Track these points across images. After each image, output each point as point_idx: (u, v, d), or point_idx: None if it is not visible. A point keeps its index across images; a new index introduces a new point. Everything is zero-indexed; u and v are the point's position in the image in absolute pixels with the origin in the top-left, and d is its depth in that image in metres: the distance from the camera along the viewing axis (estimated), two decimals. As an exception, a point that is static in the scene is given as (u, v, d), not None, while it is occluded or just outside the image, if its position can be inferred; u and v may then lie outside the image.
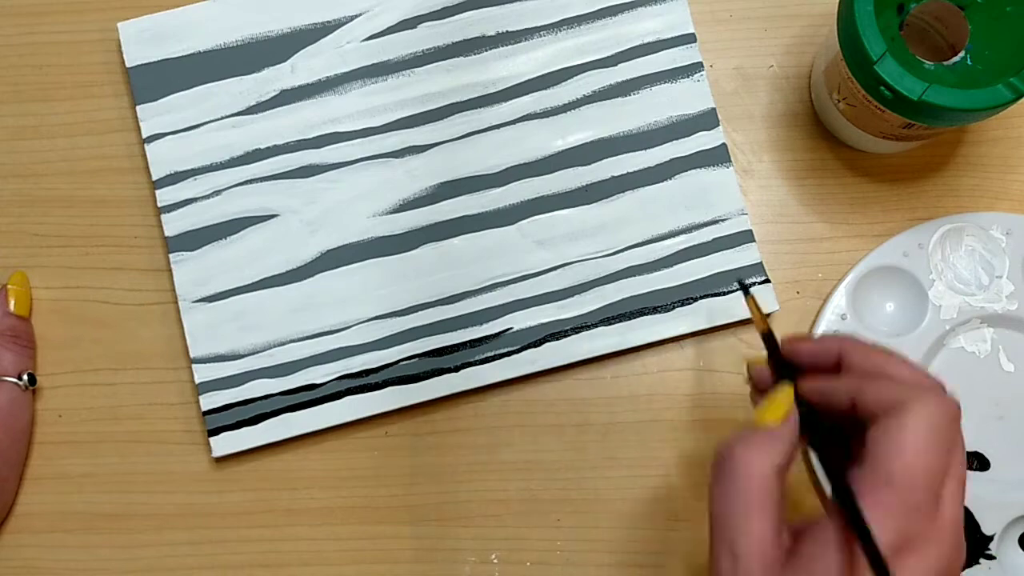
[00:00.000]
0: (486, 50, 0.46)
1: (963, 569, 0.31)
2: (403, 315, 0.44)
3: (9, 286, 0.44)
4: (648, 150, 0.45)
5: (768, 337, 0.35)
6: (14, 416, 0.43)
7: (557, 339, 0.44)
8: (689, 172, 0.45)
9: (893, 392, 0.31)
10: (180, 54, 0.46)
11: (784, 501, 0.31)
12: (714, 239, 0.44)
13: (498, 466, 0.44)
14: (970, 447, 0.43)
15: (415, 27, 0.46)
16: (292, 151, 0.45)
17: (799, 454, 0.34)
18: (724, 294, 0.44)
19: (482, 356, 0.44)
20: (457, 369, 0.44)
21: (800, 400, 0.33)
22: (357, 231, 0.45)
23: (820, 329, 0.43)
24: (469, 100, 0.45)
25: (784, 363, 0.35)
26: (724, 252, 0.44)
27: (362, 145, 0.45)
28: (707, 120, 0.45)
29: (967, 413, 0.43)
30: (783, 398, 0.33)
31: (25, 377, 0.43)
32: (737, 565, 0.30)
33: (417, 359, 0.44)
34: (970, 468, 0.43)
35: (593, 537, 0.43)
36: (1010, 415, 0.43)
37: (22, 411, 0.43)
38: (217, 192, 0.45)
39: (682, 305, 0.44)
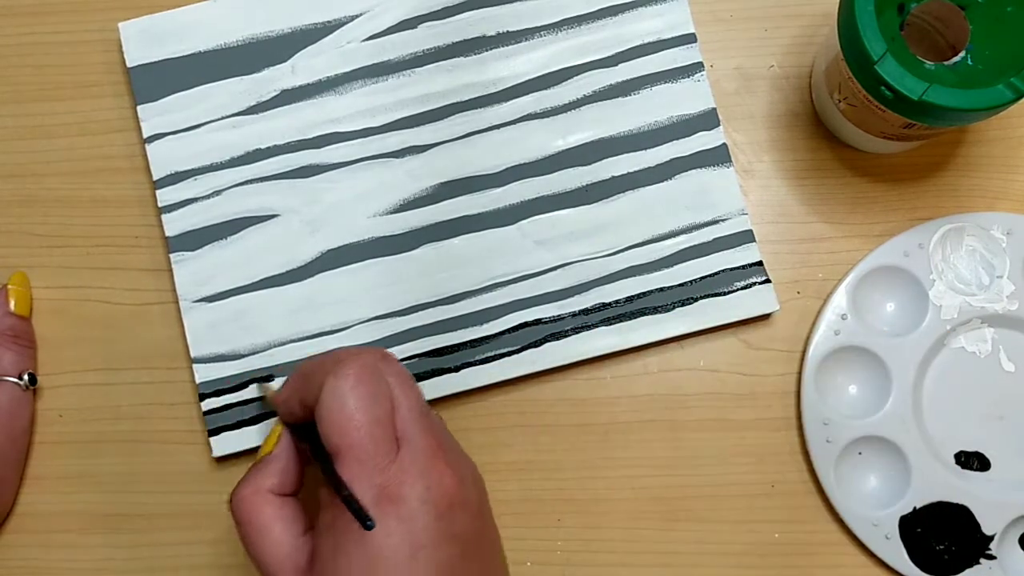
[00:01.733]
0: (486, 50, 0.46)
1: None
2: (403, 315, 0.44)
3: (9, 286, 0.44)
4: (648, 150, 0.45)
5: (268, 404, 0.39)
6: (14, 416, 0.43)
7: (557, 339, 0.44)
8: (689, 172, 0.45)
9: (317, 379, 0.33)
10: (181, 54, 0.46)
11: (302, 512, 0.34)
12: (714, 239, 0.44)
13: (498, 466, 0.44)
14: (970, 447, 0.43)
15: (415, 27, 0.46)
16: (292, 151, 0.45)
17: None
18: (724, 294, 0.44)
19: (482, 356, 0.44)
20: (457, 369, 0.44)
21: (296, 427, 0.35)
22: (357, 231, 0.45)
23: (820, 329, 0.43)
24: (469, 100, 0.45)
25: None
26: (724, 252, 0.44)
27: (362, 145, 0.45)
28: (708, 120, 0.45)
29: (967, 413, 0.44)
30: (274, 429, 0.36)
31: (26, 377, 0.43)
32: (264, 568, 0.32)
33: (417, 359, 0.44)
34: (970, 468, 0.43)
35: (593, 537, 0.43)
36: (1010, 415, 0.43)
37: (22, 411, 0.43)
38: (217, 192, 0.45)
39: (682, 305, 0.44)
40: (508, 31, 0.46)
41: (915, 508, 0.42)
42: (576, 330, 0.44)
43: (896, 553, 0.42)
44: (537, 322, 0.44)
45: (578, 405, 0.44)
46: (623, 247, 0.44)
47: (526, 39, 0.46)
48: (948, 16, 0.41)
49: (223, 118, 0.45)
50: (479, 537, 0.33)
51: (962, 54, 0.39)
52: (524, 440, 0.44)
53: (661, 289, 0.44)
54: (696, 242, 0.44)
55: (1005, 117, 0.44)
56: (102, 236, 0.46)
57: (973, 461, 0.43)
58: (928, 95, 0.37)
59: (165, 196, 0.45)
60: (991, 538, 0.42)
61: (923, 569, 0.42)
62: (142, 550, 0.44)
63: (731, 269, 0.44)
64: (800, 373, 0.44)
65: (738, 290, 0.44)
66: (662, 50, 0.45)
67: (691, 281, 0.44)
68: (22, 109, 0.47)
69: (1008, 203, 0.45)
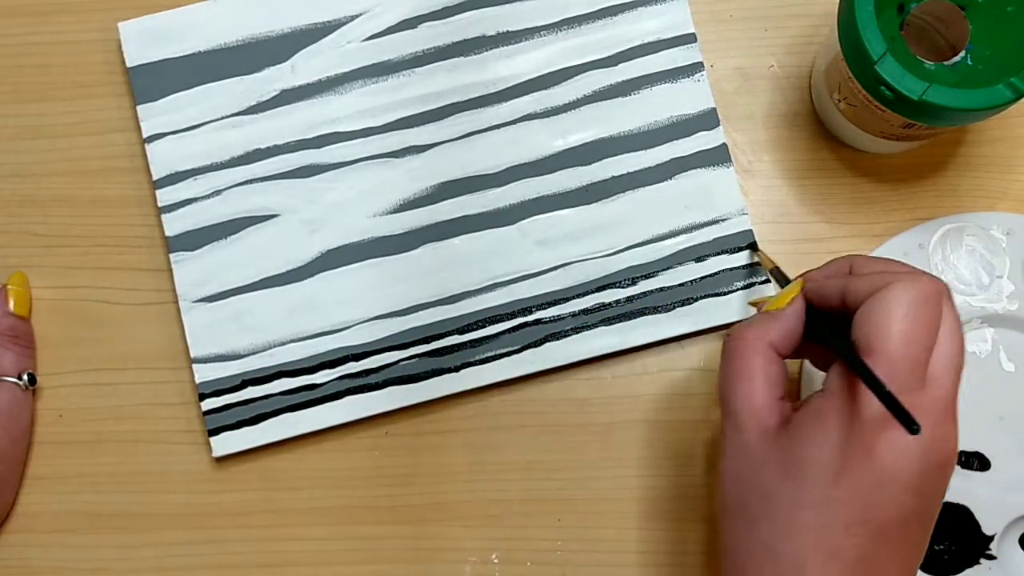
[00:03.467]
0: (486, 50, 0.46)
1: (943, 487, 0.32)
2: (403, 315, 0.44)
3: (9, 286, 0.44)
4: (648, 150, 0.45)
5: (776, 272, 0.40)
6: (14, 416, 0.43)
7: (557, 339, 0.44)
8: (689, 172, 0.45)
9: (875, 280, 0.31)
10: (180, 54, 0.46)
11: (785, 379, 0.33)
12: (714, 239, 0.44)
13: (498, 466, 0.44)
14: (970, 447, 0.43)
15: (416, 27, 0.46)
16: (292, 151, 0.45)
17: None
18: (725, 294, 0.44)
19: (482, 356, 0.44)
20: (457, 369, 0.44)
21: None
22: (357, 231, 0.45)
23: (820, 329, 0.43)
24: (469, 100, 0.45)
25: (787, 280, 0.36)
26: (724, 252, 0.44)
27: (362, 145, 0.45)
28: (707, 120, 0.45)
29: (967, 412, 0.43)
30: (790, 289, 0.35)
31: (25, 377, 0.43)
32: (737, 426, 0.32)
33: (417, 359, 0.44)
34: (970, 468, 0.43)
35: (594, 537, 0.43)
36: (1010, 415, 0.43)
37: (22, 411, 0.43)
38: (217, 192, 0.45)
39: (683, 305, 0.44)
40: (508, 31, 0.46)
41: (915, 508, 0.42)
42: (576, 330, 0.44)
43: (896, 553, 0.42)
44: (537, 322, 0.44)
45: (578, 405, 0.44)
46: (623, 247, 0.44)
47: (526, 39, 0.46)
48: (948, 16, 0.41)
49: (223, 118, 0.45)
50: (935, 504, 0.32)
51: (962, 54, 0.39)
52: (524, 440, 0.44)
53: (661, 289, 0.44)
54: (696, 242, 0.44)
55: (1005, 117, 0.44)
56: (102, 236, 0.46)
57: (973, 461, 0.43)
58: (928, 95, 0.37)
59: (165, 196, 0.45)
60: (991, 538, 0.42)
61: (923, 569, 0.42)
62: (142, 550, 0.44)
63: (731, 269, 0.44)
64: (800, 373, 0.44)
65: (738, 290, 0.44)
66: (662, 50, 0.45)
67: (691, 281, 0.44)
68: (22, 109, 0.46)
69: (1008, 203, 0.45)
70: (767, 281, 0.44)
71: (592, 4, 0.46)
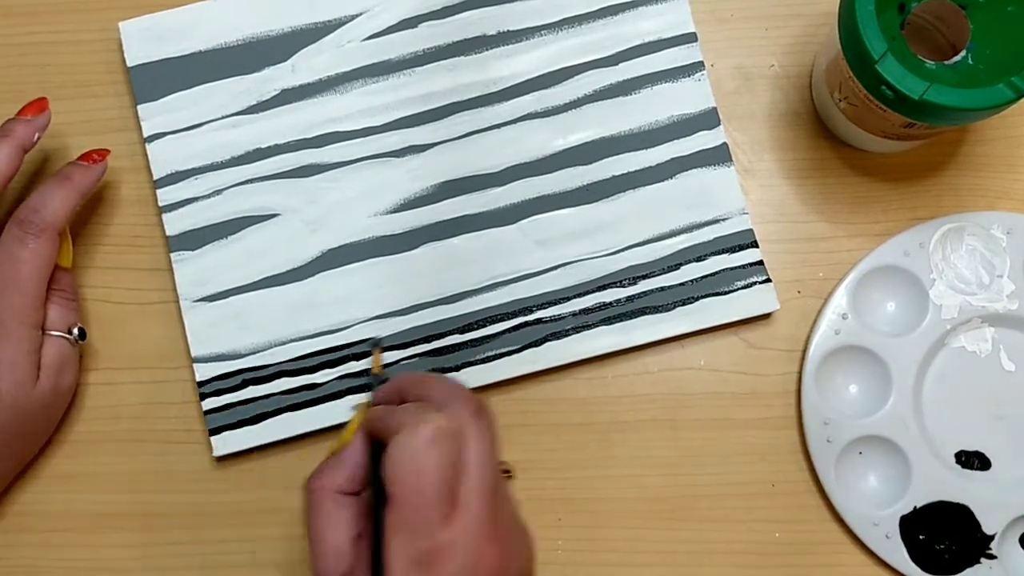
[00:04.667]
0: (487, 49, 0.46)
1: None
2: (404, 314, 0.44)
3: None
4: (649, 149, 0.45)
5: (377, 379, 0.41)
6: (62, 372, 0.42)
7: (558, 338, 0.44)
8: (690, 171, 0.45)
9: (398, 420, 0.33)
10: (181, 53, 0.46)
11: (360, 518, 0.35)
12: (715, 238, 0.44)
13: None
14: (970, 447, 0.43)
15: (416, 26, 0.46)
16: (293, 150, 0.45)
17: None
18: (725, 293, 0.44)
19: (482, 356, 0.44)
20: (458, 368, 0.44)
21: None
22: (358, 230, 0.45)
23: (821, 328, 0.43)
24: (470, 99, 0.45)
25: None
26: (725, 252, 0.44)
27: (363, 144, 0.45)
28: (708, 119, 0.45)
29: (967, 412, 0.44)
30: (352, 423, 0.37)
31: (75, 331, 0.42)
32: (315, 557, 0.34)
33: (418, 358, 0.44)
34: (970, 467, 0.43)
35: (594, 536, 0.43)
36: (1010, 415, 0.43)
37: (70, 367, 0.42)
38: (218, 191, 0.45)
39: (683, 304, 0.44)
40: (508, 30, 0.46)
41: (915, 507, 0.42)
42: (576, 329, 0.44)
43: (896, 552, 0.42)
44: (538, 322, 0.44)
45: (579, 404, 0.44)
46: (623, 246, 0.44)
47: (526, 38, 0.46)
48: (949, 15, 0.41)
49: (223, 117, 0.45)
50: None
51: (963, 53, 0.39)
52: (525, 439, 0.44)
53: (662, 288, 0.44)
54: (696, 241, 0.44)
55: (1006, 116, 0.44)
56: (102, 236, 0.46)
57: (973, 460, 0.43)
58: (928, 94, 0.37)
59: (165, 195, 0.45)
60: (991, 537, 0.42)
61: (923, 568, 0.42)
62: (142, 550, 0.44)
63: (731, 268, 0.44)
64: (800, 372, 0.44)
65: (738, 289, 0.44)
66: (663, 49, 0.45)
67: (692, 280, 0.44)
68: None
69: (1009, 202, 0.45)
70: (768, 280, 0.44)
71: (592, 3, 0.46)
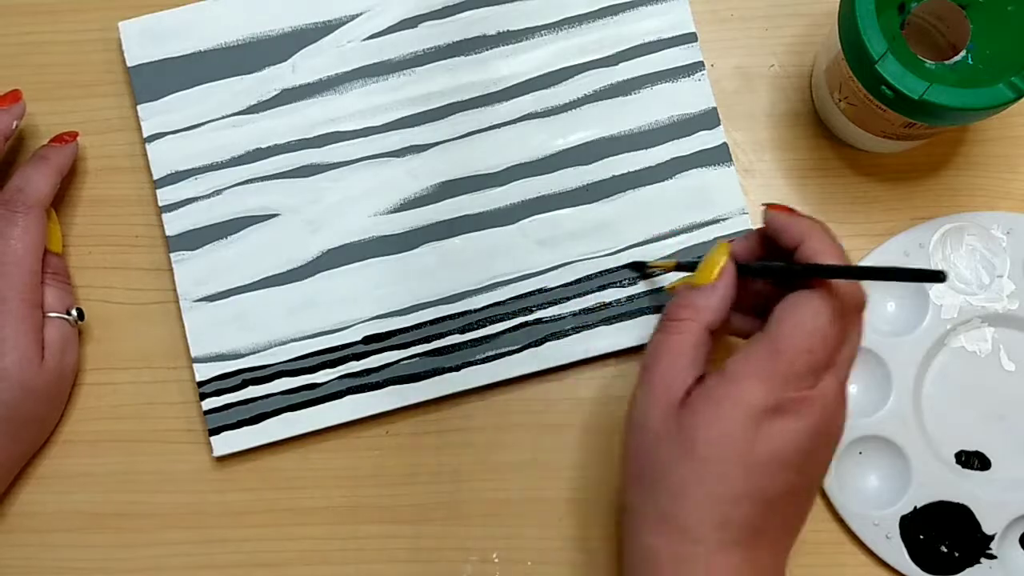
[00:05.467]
0: (487, 49, 0.46)
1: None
2: (404, 314, 0.44)
3: None
4: (649, 149, 0.45)
5: (681, 265, 0.41)
6: (64, 352, 0.43)
7: (558, 338, 0.44)
8: (690, 171, 0.45)
9: (799, 230, 0.34)
10: (181, 53, 0.46)
11: (709, 358, 0.35)
12: (715, 238, 0.44)
13: (498, 466, 0.44)
14: (971, 447, 0.43)
15: (416, 26, 0.46)
16: (293, 150, 0.45)
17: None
18: None
19: (483, 355, 0.44)
20: (457, 369, 0.44)
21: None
22: (358, 230, 0.45)
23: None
24: (470, 99, 0.45)
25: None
26: None
27: (363, 144, 0.45)
28: (708, 119, 0.45)
29: (968, 412, 0.44)
30: (716, 256, 0.36)
31: (74, 312, 0.43)
32: (647, 397, 0.34)
33: (418, 358, 0.44)
34: (971, 467, 0.43)
35: (594, 536, 0.43)
36: (1011, 415, 0.43)
37: (72, 347, 0.43)
38: (218, 191, 0.45)
39: None
40: (509, 30, 0.46)
41: (916, 508, 0.42)
42: (577, 329, 0.44)
43: (897, 553, 0.42)
44: (538, 321, 0.44)
45: (579, 404, 0.44)
46: (624, 246, 0.44)
47: (527, 38, 0.46)
48: (949, 15, 0.41)
49: (223, 117, 0.45)
50: (812, 484, 0.35)
51: (963, 53, 0.39)
52: (524, 439, 0.44)
53: (662, 289, 0.44)
54: (697, 241, 0.44)
55: (1006, 116, 0.44)
56: (102, 236, 0.46)
57: (974, 460, 0.43)
58: (929, 94, 0.37)
59: (165, 195, 0.45)
60: (992, 537, 0.42)
61: (924, 569, 0.42)
62: (142, 550, 0.44)
63: None
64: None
65: None
66: (662, 49, 0.45)
67: None
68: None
69: (1009, 202, 0.45)
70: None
71: (592, 3, 0.46)
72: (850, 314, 0.34)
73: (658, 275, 0.44)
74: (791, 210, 0.36)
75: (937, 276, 0.31)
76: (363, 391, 0.44)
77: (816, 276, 0.33)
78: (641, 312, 0.44)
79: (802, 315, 0.33)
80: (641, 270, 0.44)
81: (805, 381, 0.33)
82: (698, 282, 0.36)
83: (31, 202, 0.42)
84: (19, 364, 0.40)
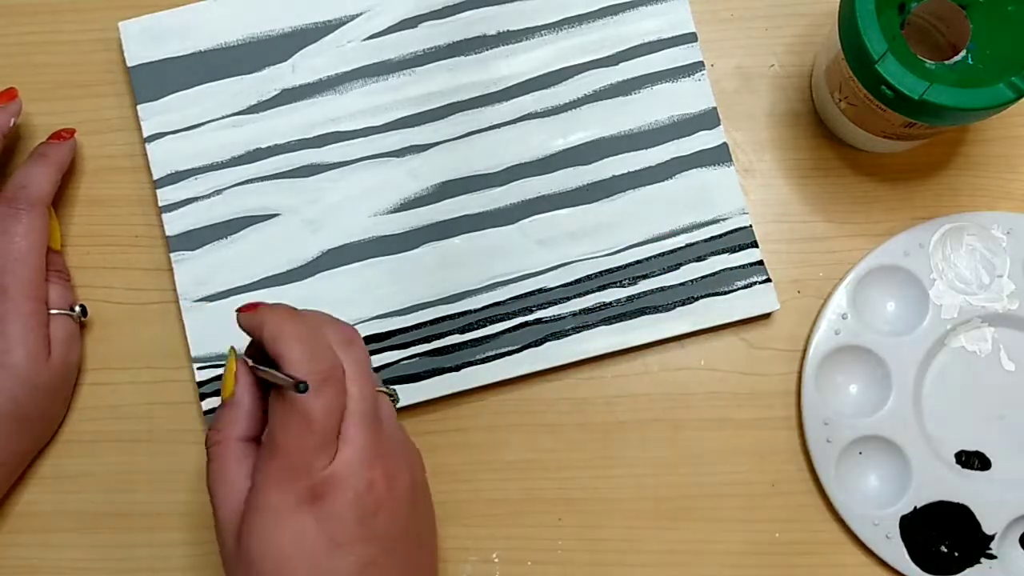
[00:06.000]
0: (487, 49, 0.46)
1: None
2: (404, 314, 0.44)
3: None
4: (649, 149, 0.45)
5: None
6: (70, 349, 0.43)
7: (557, 338, 0.44)
8: (690, 171, 0.45)
9: (278, 348, 0.33)
10: (181, 53, 0.46)
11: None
12: (715, 237, 0.44)
13: (498, 466, 0.44)
14: (970, 447, 0.43)
15: (416, 26, 0.46)
16: (293, 150, 0.45)
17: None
18: (725, 293, 0.44)
19: (483, 355, 0.44)
20: (457, 368, 0.44)
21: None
22: (358, 230, 0.45)
23: (821, 328, 0.43)
24: (470, 99, 0.45)
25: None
26: (725, 251, 0.44)
27: (363, 144, 0.45)
28: (708, 119, 0.45)
29: (968, 412, 0.44)
30: (229, 367, 0.35)
31: (77, 308, 0.43)
32: (221, 530, 0.34)
33: (417, 358, 0.44)
34: (971, 467, 0.43)
35: (594, 536, 0.43)
36: (1011, 414, 0.43)
37: (76, 343, 0.44)
38: (218, 191, 0.45)
39: (683, 304, 0.44)
40: (509, 30, 0.46)
41: (916, 508, 0.42)
42: (576, 329, 0.44)
43: (897, 553, 0.42)
44: (538, 321, 0.44)
45: (579, 404, 0.44)
46: (623, 246, 0.44)
47: (527, 38, 0.46)
48: (949, 15, 0.41)
49: (223, 117, 0.45)
50: (404, 534, 0.34)
51: (963, 53, 0.39)
52: (524, 439, 0.44)
53: (662, 288, 0.44)
54: (696, 240, 0.44)
55: (1006, 116, 0.44)
56: (102, 236, 0.46)
57: (974, 460, 0.43)
58: (928, 94, 0.37)
59: (165, 195, 0.45)
60: (992, 537, 0.42)
61: (924, 569, 0.42)
62: (142, 550, 0.44)
63: (732, 268, 0.44)
64: (800, 372, 0.44)
65: (738, 289, 0.44)
66: (662, 49, 0.45)
67: (692, 280, 0.44)
68: (24, 108, 0.46)
69: (1009, 202, 0.45)
70: (768, 280, 0.44)
71: (593, 3, 0.46)
72: (336, 375, 0.33)
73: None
74: (254, 306, 0.35)
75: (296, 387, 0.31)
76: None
77: (276, 381, 0.32)
78: (641, 312, 0.44)
79: (282, 409, 0.32)
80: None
81: (319, 461, 0.32)
82: (224, 396, 0.35)
83: (34, 199, 0.42)
84: (27, 360, 0.40)
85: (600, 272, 0.44)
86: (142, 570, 0.44)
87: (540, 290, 0.44)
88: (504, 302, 0.44)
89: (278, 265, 0.45)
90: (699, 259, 0.44)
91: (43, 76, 0.47)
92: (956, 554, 0.42)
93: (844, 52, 0.39)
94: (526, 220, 0.45)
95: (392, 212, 0.45)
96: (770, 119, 0.46)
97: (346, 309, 0.44)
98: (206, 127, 0.45)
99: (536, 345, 0.44)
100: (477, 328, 0.44)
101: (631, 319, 0.44)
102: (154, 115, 0.45)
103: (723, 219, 0.44)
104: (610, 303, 0.44)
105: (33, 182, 0.42)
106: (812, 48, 0.46)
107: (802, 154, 0.46)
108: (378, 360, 0.44)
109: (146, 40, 0.46)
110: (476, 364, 0.44)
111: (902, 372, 0.43)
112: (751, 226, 0.44)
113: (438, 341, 0.44)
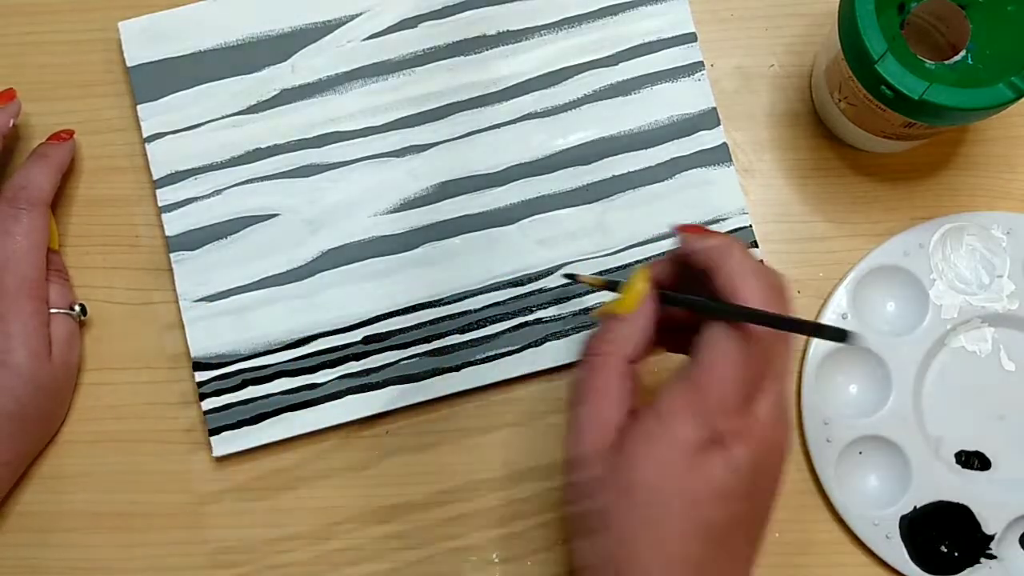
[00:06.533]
0: (486, 49, 0.46)
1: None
2: (403, 314, 0.44)
3: None
4: (649, 149, 0.45)
5: (609, 285, 0.37)
6: (71, 348, 0.43)
7: (558, 338, 0.44)
8: (690, 171, 0.45)
9: (712, 253, 0.33)
10: (181, 53, 0.46)
11: (636, 391, 0.34)
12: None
13: (499, 466, 0.44)
14: (971, 447, 0.43)
15: (415, 26, 0.46)
16: (293, 150, 0.45)
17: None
18: None
19: (483, 355, 0.44)
20: (458, 368, 0.44)
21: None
22: (358, 230, 0.45)
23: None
24: (470, 99, 0.45)
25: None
26: None
27: (363, 144, 0.45)
28: (708, 119, 0.45)
29: (968, 412, 0.43)
30: (635, 283, 0.34)
31: (77, 308, 0.44)
32: (578, 441, 0.33)
33: (418, 358, 0.44)
34: (971, 468, 0.43)
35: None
36: (1011, 415, 0.43)
37: (77, 343, 0.44)
38: (218, 192, 0.45)
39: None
40: (508, 30, 0.46)
41: (916, 508, 0.42)
42: (577, 330, 0.44)
43: (897, 553, 0.42)
44: (538, 321, 0.44)
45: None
46: (623, 246, 0.44)
47: (526, 38, 0.46)
48: (948, 15, 0.41)
49: (223, 117, 0.45)
50: (769, 504, 0.34)
51: (962, 53, 0.39)
52: (525, 440, 0.44)
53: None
54: None
55: (1005, 116, 0.44)
56: (102, 236, 0.46)
57: (974, 460, 0.43)
58: (928, 94, 0.37)
59: (165, 196, 0.45)
60: (992, 537, 0.42)
61: (924, 569, 0.42)
62: (142, 550, 0.44)
63: None
64: (800, 372, 0.44)
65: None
66: (662, 49, 0.45)
67: None
68: (23, 108, 0.46)
69: (1009, 202, 0.45)
70: None
71: (592, 3, 0.46)
72: (766, 343, 0.32)
73: (589, 291, 0.44)
74: (704, 230, 0.35)
75: (842, 336, 0.31)
76: (363, 391, 0.44)
77: (731, 318, 0.32)
78: None
79: (724, 347, 0.32)
80: (575, 280, 0.42)
81: (737, 410, 0.32)
82: (618, 310, 0.34)
83: (34, 199, 0.42)
84: (29, 359, 0.40)
85: (601, 272, 0.44)
86: (142, 570, 0.44)
87: (540, 290, 0.44)
88: (504, 302, 0.44)
89: (278, 265, 0.45)
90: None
91: (43, 75, 0.47)
92: (956, 554, 0.42)
93: (844, 52, 0.39)
94: (526, 220, 0.45)
95: (392, 212, 0.45)
96: (770, 119, 0.46)
97: (346, 309, 0.44)
98: (206, 127, 0.45)
99: (536, 345, 0.44)
100: (477, 328, 0.44)
101: None
102: (154, 115, 0.45)
103: (723, 219, 0.44)
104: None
105: (33, 182, 0.42)
106: (812, 48, 0.46)
107: (802, 154, 0.46)
108: (378, 360, 0.44)
109: (146, 40, 0.46)
110: (476, 364, 0.44)
111: (902, 372, 0.43)
112: (751, 226, 0.44)
113: (438, 341, 0.44)
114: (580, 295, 0.44)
